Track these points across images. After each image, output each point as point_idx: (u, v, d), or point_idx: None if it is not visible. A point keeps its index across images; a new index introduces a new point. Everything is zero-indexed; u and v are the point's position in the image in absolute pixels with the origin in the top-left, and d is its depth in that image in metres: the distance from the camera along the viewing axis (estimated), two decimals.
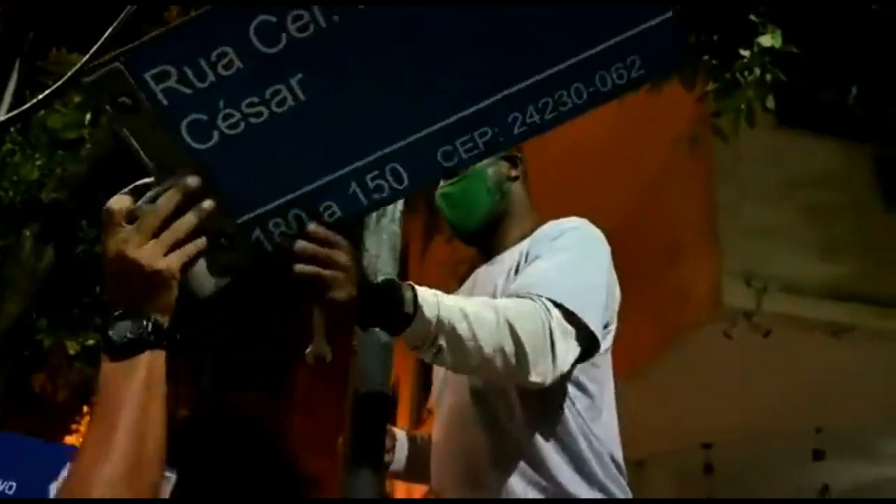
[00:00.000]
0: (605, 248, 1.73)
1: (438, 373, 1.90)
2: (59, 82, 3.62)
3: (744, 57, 3.76)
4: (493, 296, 1.70)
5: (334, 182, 1.14)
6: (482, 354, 1.38)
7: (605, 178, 7.23)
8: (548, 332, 1.43)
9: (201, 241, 1.08)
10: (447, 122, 1.13)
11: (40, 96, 3.61)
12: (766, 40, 3.70)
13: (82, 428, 14.27)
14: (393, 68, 1.09)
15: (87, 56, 3.46)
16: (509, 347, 1.39)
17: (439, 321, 1.35)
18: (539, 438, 1.61)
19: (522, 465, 1.62)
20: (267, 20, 1.03)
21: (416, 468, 1.92)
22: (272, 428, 15.62)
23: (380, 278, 1.37)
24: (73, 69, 3.55)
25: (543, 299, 1.47)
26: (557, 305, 1.48)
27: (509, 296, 1.53)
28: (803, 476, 8.12)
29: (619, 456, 1.70)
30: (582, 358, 1.56)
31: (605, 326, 1.66)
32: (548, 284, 1.52)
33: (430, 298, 1.36)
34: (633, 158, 6.97)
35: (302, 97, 1.07)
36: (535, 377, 1.43)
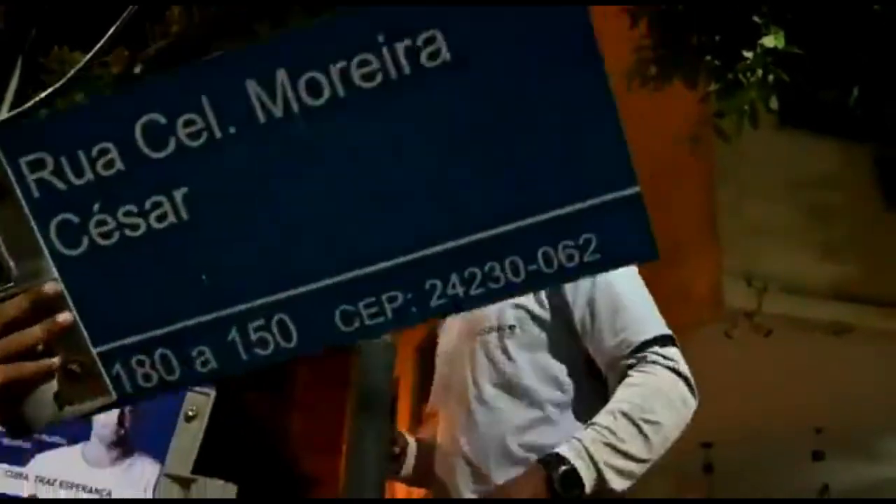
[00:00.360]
0: None
1: (440, 378, 1.91)
2: (62, 81, 3.63)
3: (746, 58, 3.76)
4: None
5: (211, 324, 0.97)
6: (648, 460, 1.55)
7: None
8: (679, 382, 1.59)
9: (45, 363, 0.92)
10: (350, 276, 0.95)
11: (42, 94, 3.62)
12: (768, 41, 3.70)
13: None
14: (292, 201, 0.94)
15: (90, 54, 3.48)
16: (663, 436, 1.55)
17: (600, 475, 1.47)
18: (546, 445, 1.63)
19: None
20: (155, 120, 0.92)
21: (426, 473, 1.93)
22: (273, 427, 15.63)
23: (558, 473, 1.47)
24: (76, 67, 3.56)
25: (653, 355, 1.60)
26: (664, 342, 1.62)
27: (603, 350, 1.64)
28: (803, 476, 8.13)
29: None
30: None
31: None
32: (639, 325, 1.64)
33: (583, 466, 1.47)
34: (638, 157, 6.97)
35: (185, 216, 0.94)
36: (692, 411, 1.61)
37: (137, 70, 5.27)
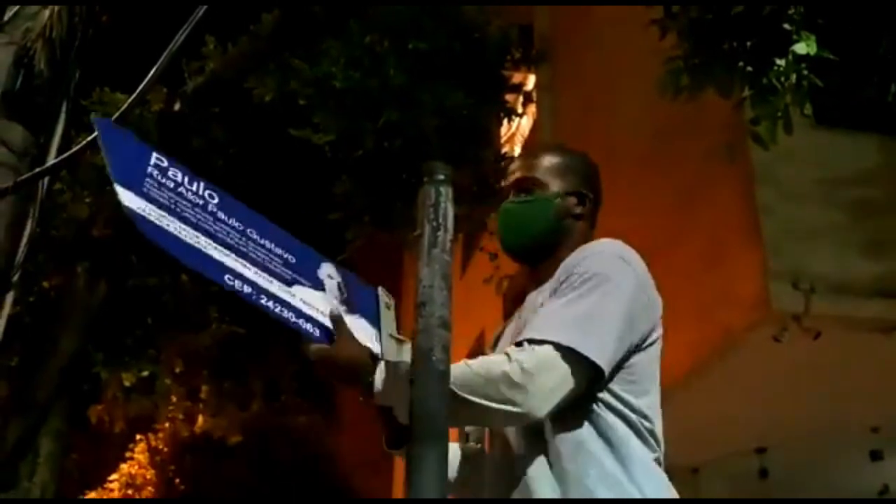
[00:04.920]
0: (629, 270, 1.72)
1: None
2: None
3: (779, 65, 3.74)
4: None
5: None
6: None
7: (646, 183, 7.21)
8: (505, 379, 1.55)
9: None
10: None
11: (89, 138, 3.71)
12: (800, 48, 3.67)
13: (137, 455, 14.49)
14: None
15: (134, 94, 3.57)
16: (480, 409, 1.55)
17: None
18: (579, 457, 1.65)
19: (564, 482, 1.65)
20: None
21: (468, 483, 1.95)
22: (324, 448, 15.74)
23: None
24: (121, 109, 3.66)
25: (514, 350, 1.59)
26: (540, 343, 1.59)
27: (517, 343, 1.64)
28: (862, 477, 8.00)
29: (660, 457, 1.72)
30: (595, 382, 1.63)
31: (639, 346, 1.71)
32: (544, 327, 1.62)
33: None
34: (674, 162, 6.96)
35: None
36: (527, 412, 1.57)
37: (177, 107, 5.39)
